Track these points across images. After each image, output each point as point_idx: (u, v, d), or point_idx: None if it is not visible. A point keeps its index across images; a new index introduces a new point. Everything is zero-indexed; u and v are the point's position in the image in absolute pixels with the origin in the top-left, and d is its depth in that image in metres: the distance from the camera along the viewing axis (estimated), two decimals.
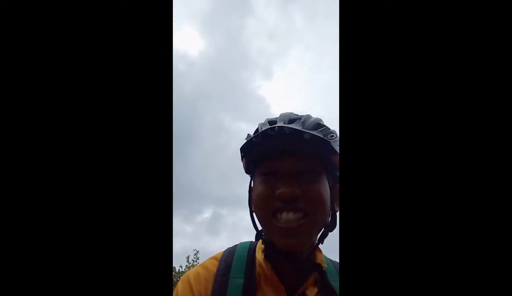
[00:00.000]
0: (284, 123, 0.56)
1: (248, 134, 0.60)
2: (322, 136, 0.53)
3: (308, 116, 0.58)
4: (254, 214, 0.58)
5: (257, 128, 0.59)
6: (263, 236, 0.58)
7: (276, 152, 0.55)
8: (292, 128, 0.53)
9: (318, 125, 0.56)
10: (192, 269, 0.59)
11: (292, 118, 0.57)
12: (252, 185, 0.59)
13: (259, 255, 0.58)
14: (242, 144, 0.59)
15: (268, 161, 0.56)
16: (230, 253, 0.60)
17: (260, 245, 0.60)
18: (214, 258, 0.60)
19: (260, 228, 0.58)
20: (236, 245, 0.63)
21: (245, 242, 0.64)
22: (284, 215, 0.51)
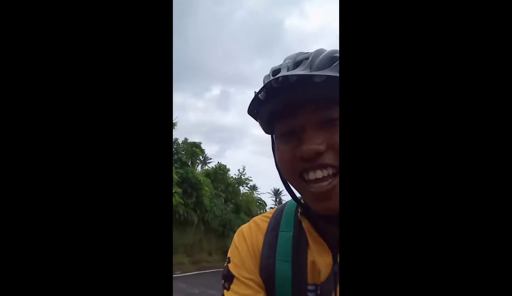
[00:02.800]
0: (288, 70, 0.47)
1: (255, 91, 0.50)
2: (336, 74, 0.43)
3: (318, 52, 0.47)
4: (284, 177, 0.52)
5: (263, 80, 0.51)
6: (301, 200, 0.55)
7: (287, 106, 0.47)
8: (297, 74, 0.44)
9: (331, 60, 0.45)
10: (245, 224, 0.62)
11: (298, 60, 0.48)
12: (274, 146, 0.53)
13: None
14: (248, 105, 0.51)
15: (282, 118, 0.48)
16: (280, 210, 0.62)
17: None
18: (265, 215, 0.62)
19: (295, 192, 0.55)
20: (286, 203, 0.63)
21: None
22: (312, 175, 0.46)
